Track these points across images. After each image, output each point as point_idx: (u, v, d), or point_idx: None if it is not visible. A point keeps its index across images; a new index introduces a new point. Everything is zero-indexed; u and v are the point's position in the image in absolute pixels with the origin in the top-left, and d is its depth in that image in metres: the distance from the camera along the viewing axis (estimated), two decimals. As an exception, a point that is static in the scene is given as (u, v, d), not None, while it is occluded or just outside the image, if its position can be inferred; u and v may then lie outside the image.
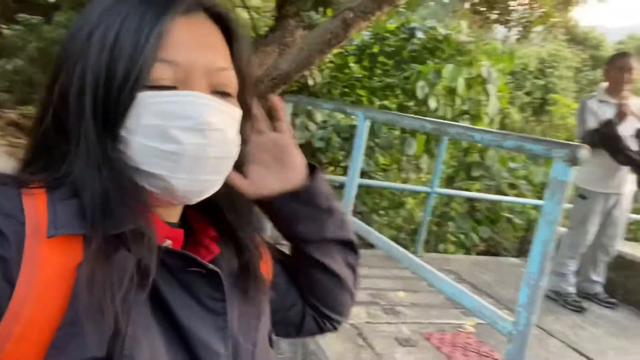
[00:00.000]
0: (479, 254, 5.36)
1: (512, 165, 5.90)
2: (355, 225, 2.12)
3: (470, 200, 5.81)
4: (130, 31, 0.50)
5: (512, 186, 6.00)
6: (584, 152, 1.22)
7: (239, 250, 0.61)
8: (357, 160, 2.14)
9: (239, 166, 0.61)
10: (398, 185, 5.22)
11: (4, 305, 0.44)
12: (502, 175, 5.82)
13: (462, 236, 5.31)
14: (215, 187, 0.55)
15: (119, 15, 0.51)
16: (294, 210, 0.65)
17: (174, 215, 0.58)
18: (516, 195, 5.84)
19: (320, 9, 3.62)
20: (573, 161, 1.22)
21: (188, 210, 0.61)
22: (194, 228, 0.62)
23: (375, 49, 6.19)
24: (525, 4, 6.39)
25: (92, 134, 0.50)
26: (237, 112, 0.55)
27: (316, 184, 0.66)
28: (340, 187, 5.49)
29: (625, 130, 3.10)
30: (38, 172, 0.52)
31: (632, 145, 3.09)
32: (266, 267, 0.67)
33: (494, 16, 6.50)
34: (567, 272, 3.35)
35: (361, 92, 6.52)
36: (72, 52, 0.52)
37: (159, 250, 0.50)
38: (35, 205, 0.48)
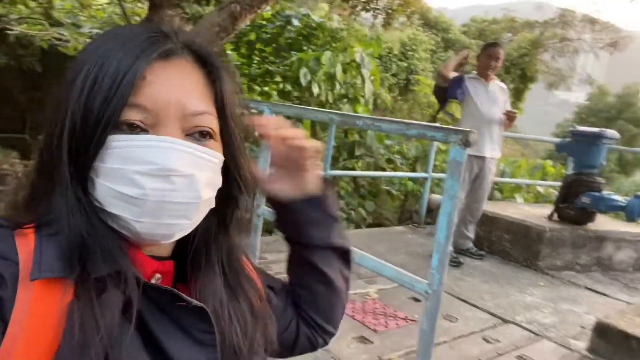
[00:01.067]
0: (367, 227, 5.80)
1: (387, 142, 6.44)
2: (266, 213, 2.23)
3: (353, 177, 6.24)
4: (107, 75, 0.51)
5: (389, 161, 6.57)
6: (474, 136, 1.48)
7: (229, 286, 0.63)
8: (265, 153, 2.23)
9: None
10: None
11: None
12: (380, 152, 6.33)
13: (352, 212, 5.70)
14: (187, 230, 0.56)
15: (100, 58, 0.52)
16: (307, 213, 0.71)
17: (163, 249, 0.58)
18: (392, 170, 6.42)
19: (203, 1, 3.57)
20: (466, 144, 1.47)
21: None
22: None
23: (252, 37, 6.23)
24: (387, -7, 6.89)
25: (67, 176, 0.51)
26: (214, 155, 0.56)
27: (327, 193, 0.72)
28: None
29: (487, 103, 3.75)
30: (29, 212, 0.53)
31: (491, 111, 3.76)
32: (258, 294, 0.68)
33: (360, 4, 6.91)
34: None
35: (241, 79, 6.53)
36: (59, 94, 0.53)
37: (144, 288, 0.52)
38: (27, 246, 0.49)
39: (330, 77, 5.47)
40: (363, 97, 5.97)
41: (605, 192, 4.06)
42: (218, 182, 0.57)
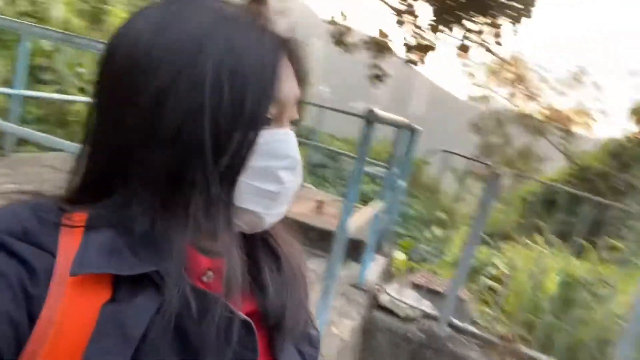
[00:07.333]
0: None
1: (80, 70, 6.31)
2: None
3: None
4: (251, 69, 0.46)
5: (82, 90, 6.45)
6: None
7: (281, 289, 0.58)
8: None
9: None
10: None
11: (23, 343, 0.42)
12: (70, 80, 6.16)
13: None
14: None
15: (230, 48, 0.46)
16: None
17: (215, 244, 0.51)
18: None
19: None
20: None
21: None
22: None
23: None
24: None
25: (214, 177, 0.47)
26: None
27: None
28: None
29: None
30: (86, 204, 0.49)
31: None
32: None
33: None
34: None
35: None
36: (164, 81, 0.45)
37: (189, 289, 0.47)
38: (72, 239, 0.46)
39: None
40: (52, 18, 5.70)
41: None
42: None
